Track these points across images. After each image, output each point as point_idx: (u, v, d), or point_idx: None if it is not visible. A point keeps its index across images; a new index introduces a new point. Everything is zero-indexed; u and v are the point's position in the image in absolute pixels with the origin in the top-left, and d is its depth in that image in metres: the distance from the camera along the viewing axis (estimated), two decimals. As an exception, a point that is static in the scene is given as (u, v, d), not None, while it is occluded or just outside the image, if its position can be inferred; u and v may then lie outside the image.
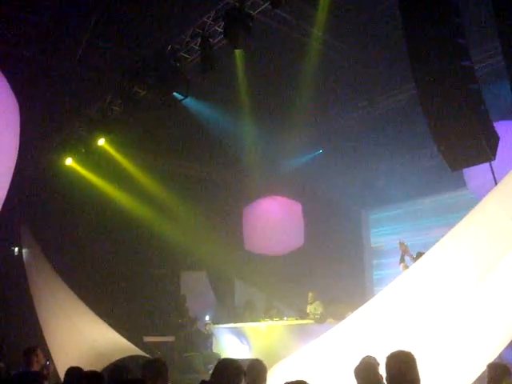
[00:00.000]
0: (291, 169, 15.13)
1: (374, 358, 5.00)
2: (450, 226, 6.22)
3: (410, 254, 9.79)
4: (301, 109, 12.51)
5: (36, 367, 6.73)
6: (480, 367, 5.41)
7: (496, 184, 6.43)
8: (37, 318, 12.22)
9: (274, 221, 14.52)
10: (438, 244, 6.04)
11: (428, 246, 6.49)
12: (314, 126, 14.20)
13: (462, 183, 11.23)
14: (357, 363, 4.98)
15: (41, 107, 11.20)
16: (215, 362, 11.73)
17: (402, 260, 9.84)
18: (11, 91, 7.39)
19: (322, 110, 13.59)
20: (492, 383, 4.61)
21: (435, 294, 5.84)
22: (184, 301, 14.10)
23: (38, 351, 6.84)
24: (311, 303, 11.86)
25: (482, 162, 6.54)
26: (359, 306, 7.22)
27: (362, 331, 6.50)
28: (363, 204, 15.43)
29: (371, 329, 6.40)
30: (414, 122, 11.39)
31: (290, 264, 14.56)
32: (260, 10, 9.08)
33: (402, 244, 10.11)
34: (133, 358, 11.17)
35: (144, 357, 11.55)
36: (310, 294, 12.13)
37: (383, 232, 15.47)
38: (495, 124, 6.90)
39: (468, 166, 7.20)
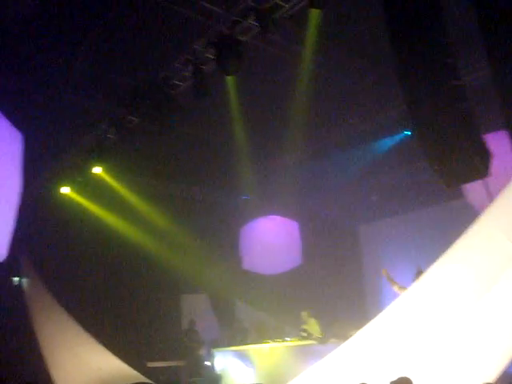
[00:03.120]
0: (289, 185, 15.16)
1: None
2: (448, 237, 6.27)
3: (394, 281, 9.89)
4: (294, 127, 12.60)
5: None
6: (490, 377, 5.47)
7: (491, 197, 6.50)
8: (40, 349, 12.18)
9: (270, 240, 14.55)
10: (436, 263, 6.09)
11: (427, 257, 6.54)
12: (308, 144, 14.28)
13: (458, 194, 11.29)
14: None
15: (35, 137, 11.24)
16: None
17: (393, 283, 9.91)
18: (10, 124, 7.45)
19: (314, 128, 13.68)
20: None
21: (437, 312, 5.89)
22: (193, 324, 14.05)
23: None
24: (306, 322, 11.79)
25: (477, 179, 6.63)
26: (361, 325, 7.25)
27: (367, 352, 6.53)
28: (360, 220, 15.48)
29: (375, 349, 6.43)
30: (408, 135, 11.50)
31: (290, 283, 14.57)
32: (251, 35, 9.19)
33: (384, 270, 10.30)
34: (137, 386, 11.16)
35: (148, 383, 11.54)
36: (303, 313, 12.00)
37: (380, 248, 15.49)
38: (487, 136, 7.00)
39: (462, 183, 7.29)
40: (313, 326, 11.65)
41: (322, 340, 10.48)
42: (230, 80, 10.61)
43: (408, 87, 6.96)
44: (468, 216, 7.70)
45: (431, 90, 6.58)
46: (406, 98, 6.95)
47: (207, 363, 13.01)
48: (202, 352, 13.29)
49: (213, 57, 9.41)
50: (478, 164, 6.33)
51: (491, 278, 5.41)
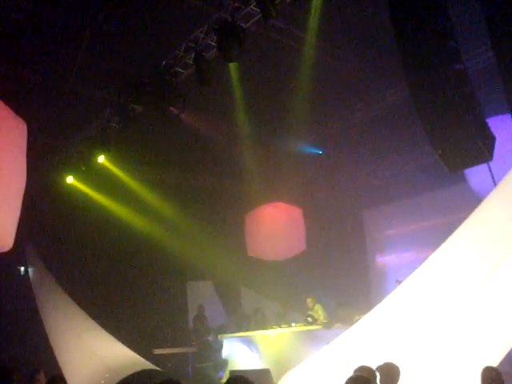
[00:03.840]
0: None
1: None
2: (453, 221, 6.29)
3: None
4: (298, 114, 12.59)
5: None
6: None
7: (495, 183, 6.50)
8: (47, 337, 12.28)
9: (275, 227, 14.58)
10: (441, 247, 6.11)
11: (429, 242, 6.56)
12: (312, 130, 14.28)
13: (462, 179, 11.30)
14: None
15: (39, 127, 11.26)
16: (226, 370, 11.83)
17: None
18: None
19: (318, 114, 13.66)
20: None
21: (443, 297, 5.91)
22: (202, 309, 14.12)
23: (40, 375, 6.92)
24: (311, 308, 11.86)
25: (480, 163, 6.62)
26: (366, 309, 7.29)
27: (372, 336, 6.57)
28: (364, 205, 15.50)
29: (381, 333, 6.47)
30: (412, 119, 11.44)
31: (295, 269, 14.62)
32: (252, 21, 9.16)
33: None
34: (144, 372, 11.25)
35: (156, 370, 11.63)
36: (309, 300, 12.09)
37: (385, 232, 15.53)
38: (489, 120, 6.98)
39: (466, 167, 7.30)
40: (318, 311, 11.73)
41: (327, 325, 10.53)
42: (232, 67, 10.59)
43: (411, 71, 6.94)
44: (471, 200, 7.72)
45: (434, 74, 6.56)
46: (409, 81, 6.93)
47: (214, 349, 13.09)
48: (210, 338, 13.37)
49: (214, 43, 9.39)
50: (481, 148, 6.32)
51: (497, 260, 5.43)
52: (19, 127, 6.87)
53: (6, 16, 8.90)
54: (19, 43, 9.78)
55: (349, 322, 8.76)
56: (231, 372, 9.65)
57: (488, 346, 5.57)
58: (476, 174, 10.28)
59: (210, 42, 9.59)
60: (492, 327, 5.53)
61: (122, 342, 12.33)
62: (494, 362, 5.44)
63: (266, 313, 13.53)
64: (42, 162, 12.97)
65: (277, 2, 8.54)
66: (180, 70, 10.36)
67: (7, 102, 7.37)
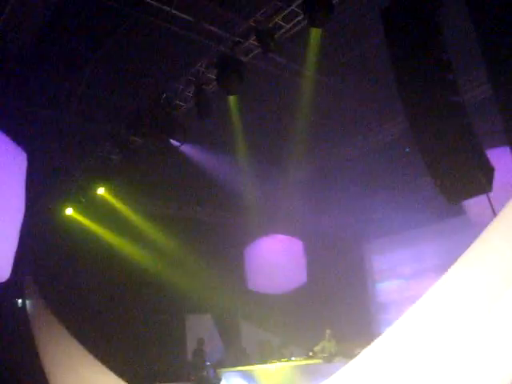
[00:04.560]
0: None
1: None
2: (452, 255, 6.25)
3: None
4: (296, 146, 12.65)
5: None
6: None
7: (495, 214, 6.48)
8: (44, 372, 12.10)
9: (275, 259, 14.53)
10: (442, 278, 6.06)
11: (431, 274, 6.52)
12: (311, 162, 14.32)
13: (461, 211, 11.28)
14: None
15: (39, 158, 11.30)
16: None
17: None
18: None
19: (317, 147, 13.73)
20: None
21: (445, 328, 5.85)
22: (202, 343, 13.97)
23: None
24: (329, 340, 11.66)
25: (480, 194, 6.62)
26: (367, 343, 7.20)
27: (374, 369, 6.47)
28: (364, 237, 15.48)
29: (383, 366, 6.37)
30: (410, 153, 11.53)
31: (295, 302, 14.52)
32: (252, 55, 9.27)
33: None
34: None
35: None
36: (329, 331, 11.87)
37: (386, 266, 15.48)
38: (488, 152, 7.01)
39: (465, 198, 7.28)
40: (333, 345, 11.50)
41: (328, 359, 10.41)
42: (231, 99, 10.68)
43: (409, 103, 7.01)
44: (471, 232, 7.70)
45: (432, 106, 6.62)
46: (407, 114, 6.99)
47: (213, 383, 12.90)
48: (209, 372, 13.19)
49: (214, 77, 9.49)
50: (480, 179, 6.35)
51: (499, 291, 5.38)
52: (19, 158, 6.89)
53: (7, 48, 9.00)
54: (20, 75, 9.89)
55: (350, 355, 8.66)
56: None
57: (490, 380, 5.49)
58: (475, 206, 10.27)
59: (210, 76, 9.70)
60: (493, 358, 5.46)
61: (121, 376, 12.15)
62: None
63: (266, 347, 13.38)
64: (42, 194, 12.97)
65: (276, 36, 8.67)
66: (180, 102, 10.46)
67: (8, 133, 7.41)
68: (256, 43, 8.90)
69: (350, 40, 10.39)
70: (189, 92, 10.16)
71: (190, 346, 14.84)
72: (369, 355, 6.81)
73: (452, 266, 5.96)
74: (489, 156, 6.80)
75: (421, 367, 5.87)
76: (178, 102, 10.42)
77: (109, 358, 12.47)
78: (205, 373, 13.18)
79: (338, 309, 13.81)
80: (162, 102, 10.34)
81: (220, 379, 12.67)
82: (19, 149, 7.08)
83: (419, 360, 5.94)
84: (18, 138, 7.96)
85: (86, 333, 12.94)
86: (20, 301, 14.04)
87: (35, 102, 10.61)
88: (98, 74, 10.15)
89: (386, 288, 15.24)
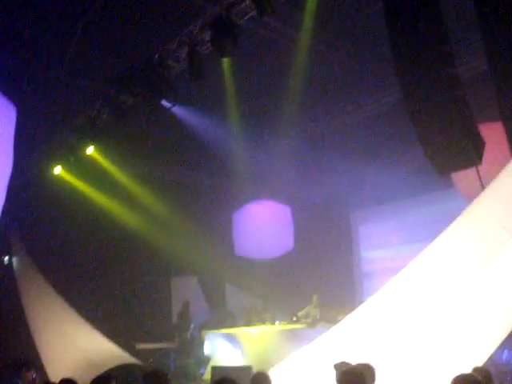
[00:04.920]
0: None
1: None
2: (439, 227, 6.31)
3: None
4: (288, 113, 12.59)
5: (26, 382, 6.75)
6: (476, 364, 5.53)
7: (483, 186, 6.53)
8: (28, 328, 12.19)
9: (263, 225, 14.61)
10: (428, 247, 6.13)
11: (415, 249, 6.59)
12: (302, 130, 14.29)
13: (449, 184, 11.35)
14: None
15: (28, 116, 11.16)
16: (207, 366, 11.80)
17: None
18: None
19: (309, 115, 13.67)
20: None
21: (428, 296, 5.93)
22: (187, 306, 14.09)
23: (28, 366, 6.89)
24: (315, 306, 11.75)
25: (469, 167, 6.64)
26: (350, 309, 7.30)
27: (356, 335, 6.57)
28: (352, 207, 15.54)
29: (365, 332, 6.48)
30: (402, 124, 11.47)
31: (281, 268, 14.64)
32: (247, 18, 9.14)
33: None
34: (126, 367, 11.22)
35: (137, 365, 11.61)
36: (315, 297, 11.95)
37: (372, 236, 15.60)
38: (480, 126, 7.02)
39: (455, 170, 7.31)
40: (317, 311, 11.58)
41: (312, 324, 10.55)
42: (225, 63, 10.56)
43: (403, 73, 6.96)
44: (458, 205, 7.76)
45: (427, 77, 6.59)
46: (402, 83, 6.95)
47: (197, 345, 13.07)
48: (192, 334, 13.35)
49: (208, 38, 9.37)
50: (471, 151, 6.36)
51: (483, 262, 5.46)
52: (8, 111, 6.76)
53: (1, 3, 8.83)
54: (13, 30, 9.71)
55: (333, 321, 8.78)
56: (213, 368, 9.62)
57: (473, 346, 5.61)
58: (464, 180, 10.33)
59: (203, 37, 9.57)
60: (476, 327, 5.57)
61: (105, 336, 12.28)
62: (480, 360, 5.49)
63: (250, 311, 13.49)
64: (30, 151, 12.88)
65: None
66: (173, 63, 10.32)
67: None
68: (252, 5, 8.76)
69: (346, 8, 10.26)
70: (182, 53, 10.02)
71: (175, 307, 14.98)
72: (351, 321, 6.92)
73: (438, 237, 6.03)
74: (481, 130, 6.81)
75: (403, 333, 5.97)
76: (170, 62, 10.29)
77: (94, 317, 12.59)
78: (189, 334, 13.33)
79: (323, 275, 13.94)
80: (155, 62, 10.21)
81: (203, 340, 12.84)
82: (9, 102, 6.94)
83: (401, 325, 6.04)
84: (8, 93, 7.85)
85: (72, 292, 13.01)
86: (6, 258, 14.06)
87: (26, 58, 10.44)
88: (90, 32, 9.95)
89: (372, 256, 15.39)
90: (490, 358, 5.96)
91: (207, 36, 9.44)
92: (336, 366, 5.56)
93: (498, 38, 6.60)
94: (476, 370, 4.85)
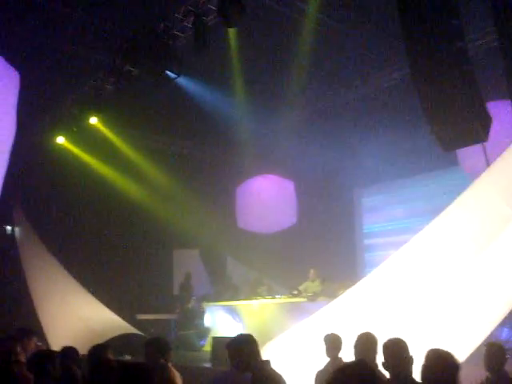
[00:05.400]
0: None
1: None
2: (442, 205, 6.27)
3: None
4: (294, 87, 12.47)
5: (29, 350, 6.79)
6: (477, 340, 5.55)
7: (488, 165, 6.48)
8: (30, 297, 12.27)
9: (266, 199, 14.57)
10: (430, 224, 6.10)
11: (418, 225, 6.56)
12: (307, 104, 14.16)
13: (455, 162, 11.28)
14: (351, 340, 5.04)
15: (31, 85, 11.07)
16: (208, 338, 11.90)
17: None
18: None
19: (315, 89, 13.54)
20: (492, 362, 4.67)
21: (429, 271, 5.92)
22: (189, 277, 14.15)
23: (32, 334, 6.92)
24: (313, 280, 11.76)
25: (475, 143, 6.57)
26: (351, 284, 7.31)
27: (356, 309, 6.58)
28: (355, 183, 15.50)
29: (365, 307, 6.48)
30: (408, 100, 11.37)
31: (283, 242, 14.64)
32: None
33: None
34: (127, 336, 11.30)
35: (138, 334, 11.69)
36: (312, 271, 11.88)
37: (375, 212, 15.59)
38: (488, 104, 6.93)
39: (461, 146, 7.24)
40: (318, 285, 11.60)
41: (312, 298, 10.57)
42: (231, 33, 10.43)
43: (412, 47, 6.85)
44: (463, 183, 7.70)
45: (435, 50, 6.48)
46: (410, 57, 6.84)
47: (198, 316, 13.15)
48: (193, 306, 13.43)
49: (214, 8, 9.24)
50: (477, 127, 6.27)
51: (487, 239, 5.43)
52: (11, 76, 6.67)
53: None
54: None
55: (333, 295, 8.79)
56: (213, 339, 9.67)
57: (475, 322, 5.61)
58: (469, 157, 10.26)
59: (210, 6, 9.44)
60: (479, 303, 5.56)
61: (106, 306, 12.36)
62: (482, 336, 5.50)
63: (251, 284, 13.53)
64: (33, 119, 12.80)
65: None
66: (178, 33, 10.20)
67: (0, 52, 7.17)
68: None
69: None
70: (187, 22, 9.89)
71: (177, 280, 15.05)
72: (351, 296, 6.92)
73: (442, 212, 5.99)
74: (489, 108, 6.73)
75: (401, 310, 5.97)
76: (176, 32, 10.16)
77: (95, 288, 12.66)
78: (190, 305, 13.42)
79: (326, 250, 13.96)
80: (160, 31, 10.08)
81: (204, 312, 12.90)
82: (12, 68, 6.85)
83: (401, 302, 6.04)
84: (12, 59, 7.76)
85: (74, 261, 13.08)
86: (9, 227, 14.10)
87: (31, 27, 10.33)
88: (96, 0, 9.83)
89: (374, 231, 15.40)
90: (490, 336, 5.95)
91: (214, 5, 9.30)
92: (325, 339, 5.66)
93: (510, 13, 6.49)
94: (490, 345, 4.85)
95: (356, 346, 4.69)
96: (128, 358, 9.97)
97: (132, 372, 3.24)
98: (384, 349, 4.08)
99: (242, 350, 4.14)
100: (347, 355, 5.16)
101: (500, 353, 4.71)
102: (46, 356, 4.67)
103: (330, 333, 5.74)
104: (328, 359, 5.65)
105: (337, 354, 5.60)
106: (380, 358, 4.10)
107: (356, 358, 4.52)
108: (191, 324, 12.99)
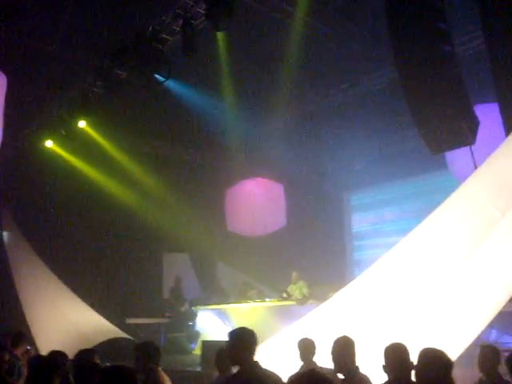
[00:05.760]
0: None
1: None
2: (430, 207, 6.30)
3: None
4: (283, 90, 12.49)
5: (19, 353, 6.76)
6: (466, 341, 5.58)
7: (476, 167, 6.52)
8: (19, 301, 12.19)
9: (256, 202, 14.60)
10: (419, 226, 6.13)
11: (406, 228, 6.59)
12: (296, 107, 14.19)
13: (443, 165, 11.33)
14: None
15: (20, 88, 11.03)
16: (198, 341, 11.88)
17: None
18: None
19: (303, 92, 13.57)
20: (486, 363, 4.70)
21: (418, 273, 5.94)
22: (179, 281, 14.14)
23: (23, 337, 6.90)
24: (295, 283, 11.84)
25: (463, 146, 6.64)
26: (340, 287, 7.31)
27: (345, 312, 6.59)
28: (344, 185, 15.54)
29: (354, 309, 6.49)
30: (396, 103, 11.43)
31: (272, 245, 14.64)
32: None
33: None
34: (116, 341, 11.25)
35: (127, 339, 11.65)
36: (294, 274, 12.02)
37: (364, 215, 15.64)
38: (475, 107, 6.99)
39: (448, 149, 7.31)
40: (302, 287, 11.66)
41: (301, 301, 10.59)
42: (219, 37, 10.44)
43: (400, 51, 6.91)
44: (451, 184, 7.74)
45: (423, 54, 6.54)
46: (398, 61, 6.90)
47: (188, 320, 13.14)
48: (186, 309, 13.43)
49: (203, 11, 9.24)
50: (464, 131, 6.34)
51: (475, 241, 5.46)
52: (-2, 78, 6.64)
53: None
54: (4, 1, 9.56)
55: (323, 298, 8.80)
56: (203, 342, 9.67)
57: (463, 324, 5.63)
58: (457, 161, 10.32)
59: (198, 10, 9.43)
60: (467, 305, 5.59)
61: (96, 310, 12.30)
62: (470, 338, 5.53)
63: (241, 288, 13.52)
64: (21, 123, 12.74)
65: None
66: (167, 36, 10.18)
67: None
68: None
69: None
70: (176, 26, 9.88)
71: (167, 283, 15.01)
72: (340, 299, 6.93)
73: (430, 215, 6.02)
74: (477, 111, 6.78)
75: (391, 312, 5.99)
76: (164, 35, 10.14)
77: (85, 293, 12.59)
78: (182, 308, 13.41)
79: (315, 252, 13.99)
80: (148, 35, 10.06)
81: (196, 314, 12.89)
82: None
83: (390, 305, 6.06)
84: None
85: (63, 266, 13.00)
86: (-2, 232, 14.00)
87: (18, 30, 10.29)
88: (84, 3, 9.82)
89: (363, 233, 15.45)
90: (479, 338, 5.98)
91: (202, 9, 9.30)
92: (299, 344, 5.73)
93: (496, 18, 6.56)
94: (484, 347, 4.87)
95: (333, 352, 4.62)
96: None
97: (115, 375, 3.23)
98: (385, 353, 4.09)
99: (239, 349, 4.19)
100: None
101: (494, 354, 4.73)
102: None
103: (303, 337, 5.87)
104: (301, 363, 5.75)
105: (311, 359, 5.71)
106: (377, 362, 4.11)
107: (334, 362, 4.50)
108: (183, 326, 12.98)
